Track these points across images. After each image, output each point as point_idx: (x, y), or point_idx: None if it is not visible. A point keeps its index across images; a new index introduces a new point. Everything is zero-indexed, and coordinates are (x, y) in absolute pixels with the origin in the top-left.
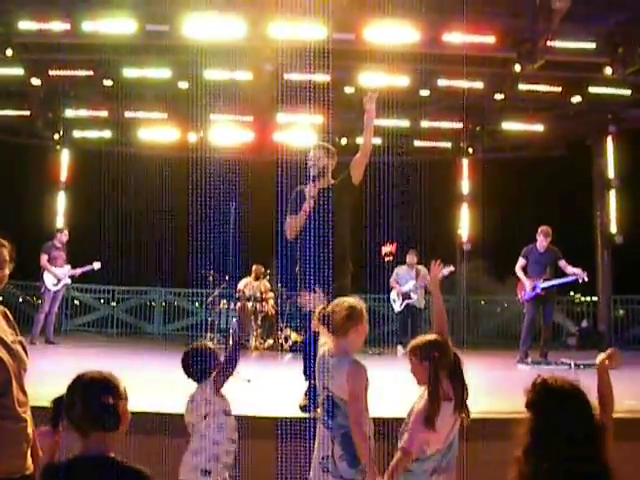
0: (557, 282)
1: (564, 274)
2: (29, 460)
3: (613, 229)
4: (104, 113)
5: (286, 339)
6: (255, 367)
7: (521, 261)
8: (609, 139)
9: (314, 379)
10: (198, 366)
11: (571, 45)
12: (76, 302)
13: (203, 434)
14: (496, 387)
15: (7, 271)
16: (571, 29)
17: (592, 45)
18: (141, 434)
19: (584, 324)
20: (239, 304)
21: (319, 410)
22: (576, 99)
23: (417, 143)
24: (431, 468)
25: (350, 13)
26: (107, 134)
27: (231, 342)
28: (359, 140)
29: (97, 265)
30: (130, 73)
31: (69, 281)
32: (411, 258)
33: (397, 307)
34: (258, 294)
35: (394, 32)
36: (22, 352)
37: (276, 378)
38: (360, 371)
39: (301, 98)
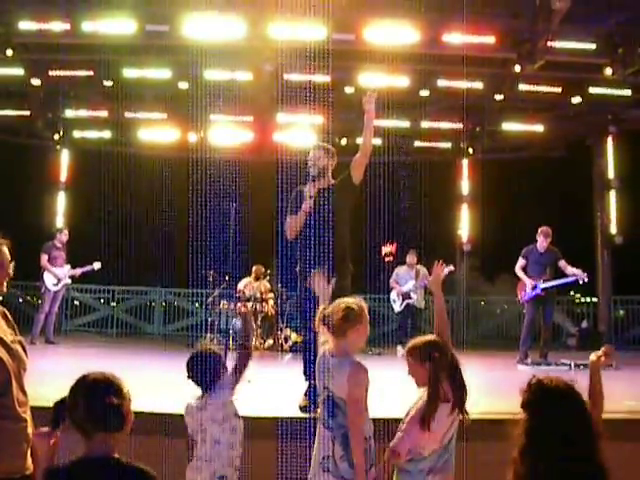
0: (557, 283)
1: (564, 274)
2: (29, 460)
3: (613, 229)
4: (104, 113)
5: (286, 339)
6: (255, 367)
7: (521, 261)
8: (609, 139)
9: (314, 379)
10: (205, 372)
11: (571, 45)
12: (76, 302)
13: (217, 439)
14: (496, 387)
15: (10, 270)
16: (571, 29)
17: (592, 46)
18: (141, 434)
19: (584, 325)
20: (239, 306)
21: (319, 410)
22: (576, 99)
23: (417, 143)
24: (427, 468)
25: (350, 13)
26: (107, 134)
27: (240, 345)
28: (359, 140)
29: (97, 265)
30: (130, 73)
31: (69, 281)
32: (411, 258)
33: (397, 307)
34: (258, 294)
35: (394, 32)
36: (22, 352)
37: (276, 378)
38: (361, 373)
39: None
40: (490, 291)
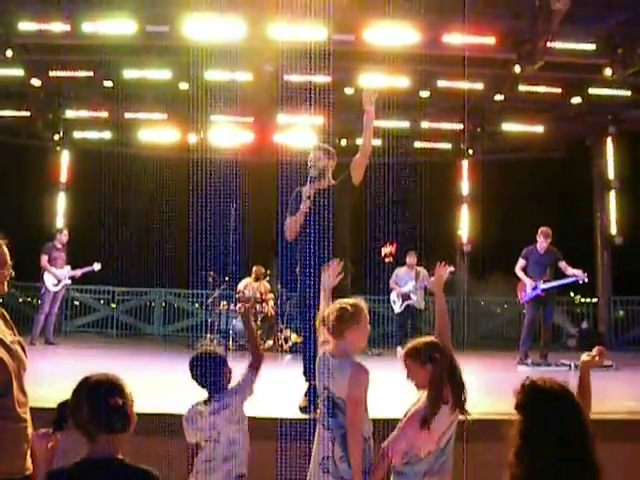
0: (557, 283)
1: (564, 275)
2: (29, 460)
3: (613, 230)
4: (104, 114)
5: (286, 340)
6: None
7: (521, 262)
8: (609, 140)
9: (314, 380)
10: (213, 373)
11: (571, 46)
12: (76, 303)
13: (234, 439)
14: (496, 388)
15: (10, 271)
16: (571, 30)
17: (592, 46)
18: (141, 435)
19: (584, 325)
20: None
21: (319, 411)
22: (576, 100)
23: (417, 144)
24: (423, 470)
25: (350, 14)
26: (107, 135)
27: (253, 345)
28: (359, 141)
29: (97, 266)
30: (130, 74)
31: (69, 282)
32: (411, 259)
33: (397, 308)
34: (258, 295)
35: (394, 33)
36: (21, 352)
37: (276, 379)
38: (362, 374)
39: (301, 99)
40: (490, 291)
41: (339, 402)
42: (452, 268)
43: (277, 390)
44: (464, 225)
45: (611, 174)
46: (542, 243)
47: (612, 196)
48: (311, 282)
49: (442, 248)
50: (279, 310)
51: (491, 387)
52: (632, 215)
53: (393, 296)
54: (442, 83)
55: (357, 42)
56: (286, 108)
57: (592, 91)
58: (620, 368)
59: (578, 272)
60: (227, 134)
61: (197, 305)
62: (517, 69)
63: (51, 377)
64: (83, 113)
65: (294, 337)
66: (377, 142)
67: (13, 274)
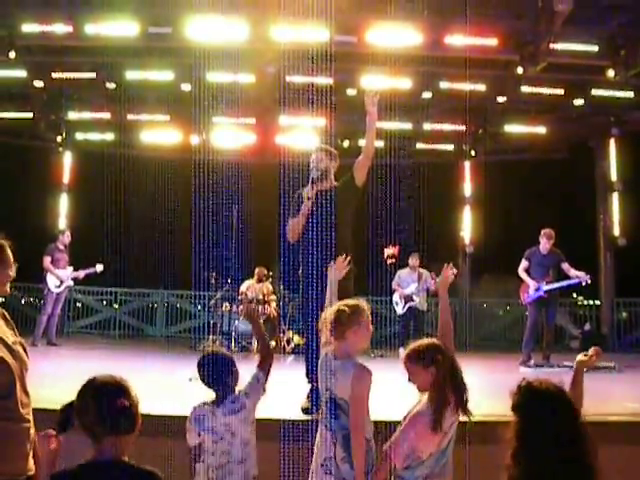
0: (560, 284)
1: (567, 277)
2: (31, 461)
3: (616, 232)
4: (107, 115)
5: (288, 341)
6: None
7: (524, 263)
8: (612, 141)
9: (316, 381)
10: (223, 374)
11: (573, 47)
12: (78, 304)
13: (247, 440)
14: (498, 390)
15: (12, 272)
16: (573, 31)
17: (594, 47)
18: (145, 437)
19: (587, 327)
20: (242, 307)
21: (321, 412)
22: (578, 101)
23: (419, 145)
24: (424, 475)
25: (352, 16)
26: (110, 136)
27: (264, 345)
28: (361, 142)
29: (99, 267)
30: (133, 75)
31: (72, 283)
32: (413, 261)
33: (399, 310)
34: (260, 296)
35: (396, 34)
36: (23, 353)
37: (278, 381)
38: (365, 375)
39: (303, 101)
40: (492, 293)
41: (341, 403)
42: (455, 270)
43: (279, 391)
44: (466, 226)
45: (614, 175)
46: (545, 244)
47: (615, 197)
48: (313, 284)
49: (444, 249)
50: (281, 311)
51: (493, 389)
52: (635, 216)
53: (396, 298)
54: (444, 84)
55: (359, 43)
56: (288, 109)
57: (595, 92)
58: (623, 370)
59: (581, 274)
60: (229, 135)
61: (199, 306)
62: (519, 70)
63: (53, 378)
64: (86, 114)
65: (296, 339)
66: (379, 143)
67: (14, 276)
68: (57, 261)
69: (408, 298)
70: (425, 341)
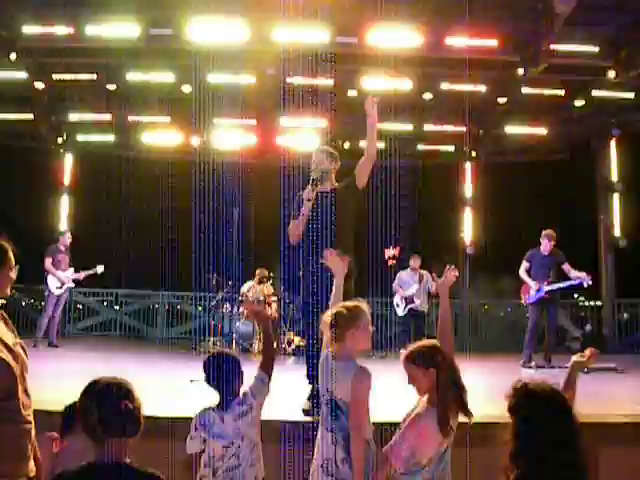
0: (561, 285)
1: (568, 278)
2: (32, 462)
3: (617, 232)
4: (107, 117)
5: (289, 343)
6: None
7: (525, 264)
8: (612, 142)
9: (317, 383)
10: (230, 376)
11: (574, 48)
12: (79, 305)
13: (256, 442)
14: (499, 391)
15: (14, 274)
16: (574, 33)
17: (595, 48)
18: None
19: (588, 328)
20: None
21: (321, 412)
22: (579, 102)
23: (420, 147)
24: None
25: (353, 17)
26: (110, 138)
27: (267, 345)
28: (362, 144)
29: (100, 269)
30: (133, 77)
31: (73, 285)
32: (414, 262)
33: (400, 311)
34: (261, 298)
35: (397, 36)
36: (23, 354)
37: (279, 382)
38: (365, 377)
39: (304, 102)
40: (493, 294)
41: (341, 404)
42: (456, 272)
43: (280, 393)
44: (467, 228)
45: (614, 176)
46: (546, 245)
47: (615, 198)
48: (314, 285)
49: (445, 250)
50: (282, 313)
51: (494, 390)
52: (636, 217)
53: (396, 299)
54: (445, 85)
55: (360, 45)
56: (289, 111)
57: (595, 93)
58: (624, 371)
59: (582, 274)
60: (230, 137)
61: (200, 308)
62: (520, 71)
63: (54, 380)
64: (86, 116)
65: (297, 340)
66: (380, 145)
67: (15, 278)
68: (58, 263)
69: (409, 300)
70: (425, 342)
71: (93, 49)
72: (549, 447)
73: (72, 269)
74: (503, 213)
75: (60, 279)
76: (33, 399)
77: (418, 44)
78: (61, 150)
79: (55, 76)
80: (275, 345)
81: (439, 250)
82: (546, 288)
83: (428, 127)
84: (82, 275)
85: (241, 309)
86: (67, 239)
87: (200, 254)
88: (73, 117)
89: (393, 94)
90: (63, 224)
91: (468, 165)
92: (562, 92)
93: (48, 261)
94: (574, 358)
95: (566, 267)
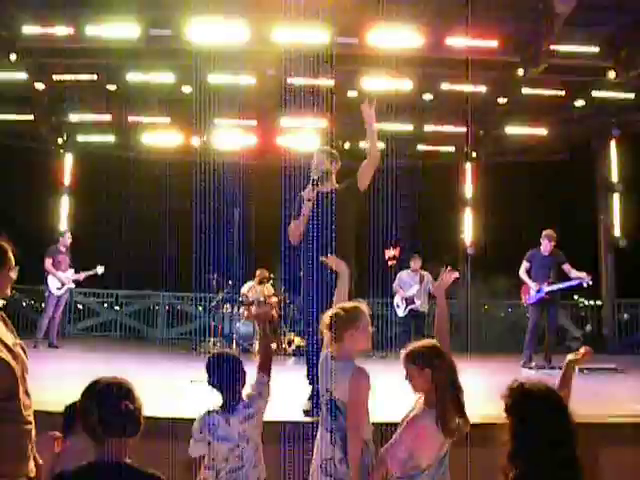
0: (561, 285)
1: (568, 278)
2: (32, 463)
3: (617, 232)
4: (108, 117)
5: (289, 343)
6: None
7: (525, 265)
8: (612, 143)
9: (318, 383)
10: (234, 377)
11: (574, 49)
12: (79, 306)
13: (257, 444)
14: (499, 392)
15: (14, 274)
16: (574, 33)
17: (595, 49)
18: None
19: (588, 328)
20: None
21: (321, 413)
22: (579, 103)
23: (420, 147)
24: None
25: (353, 17)
26: (111, 138)
27: (265, 345)
28: (362, 144)
29: (100, 269)
30: (133, 77)
31: (73, 285)
32: (415, 264)
33: (401, 312)
34: (262, 298)
35: (397, 36)
36: (23, 355)
37: (279, 382)
38: (363, 378)
39: (304, 102)
40: (493, 294)
41: (340, 405)
42: (457, 274)
43: (281, 393)
44: (467, 228)
45: (614, 176)
46: (546, 246)
47: (616, 198)
48: (314, 285)
49: (445, 251)
50: (282, 313)
51: (495, 391)
52: (636, 217)
53: (397, 299)
54: (445, 86)
55: (360, 45)
56: (289, 111)
57: (595, 94)
58: (625, 371)
59: (582, 275)
60: (230, 137)
61: (201, 308)
62: (520, 72)
63: (55, 380)
64: (86, 116)
65: (297, 340)
66: (380, 145)
67: (15, 278)
68: (58, 263)
69: (410, 300)
70: (423, 342)
71: (93, 49)
72: (546, 446)
73: (72, 270)
74: (503, 213)
75: (60, 280)
76: (33, 400)
77: (418, 44)
78: (61, 150)
79: (55, 76)
80: (275, 345)
81: (439, 250)
82: (546, 289)
83: (428, 127)
84: (82, 276)
85: (241, 310)
86: (67, 240)
87: (200, 254)
88: (73, 117)
89: (393, 94)
90: (63, 225)
91: (468, 165)
92: (562, 92)
93: (48, 262)
94: (569, 356)
95: (566, 267)
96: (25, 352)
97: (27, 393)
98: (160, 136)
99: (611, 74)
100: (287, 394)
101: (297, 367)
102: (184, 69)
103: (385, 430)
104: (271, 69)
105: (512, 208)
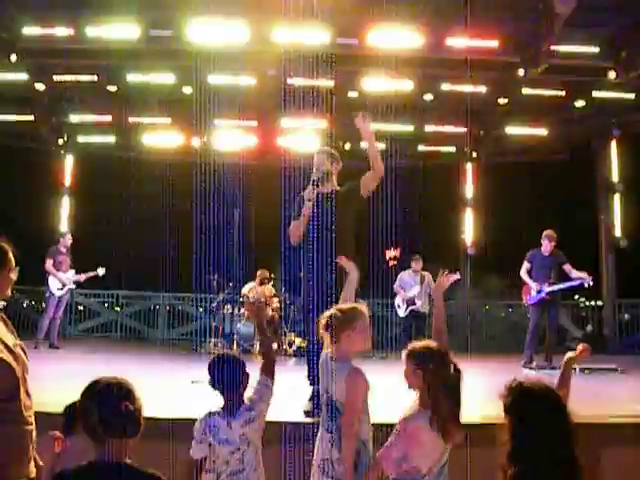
0: (562, 286)
1: (569, 278)
2: (32, 464)
3: (617, 233)
4: (108, 118)
5: (290, 344)
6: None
7: (526, 265)
8: (613, 143)
9: (318, 384)
10: (236, 380)
11: (574, 49)
12: (80, 307)
13: (258, 447)
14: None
15: (14, 275)
16: (574, 33)
17: (595, 49)
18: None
19: (589, 328)
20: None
21: (321, 413)
22: (580, 103)
23: (421, 147)
24: None
25: (353, 18)
26: (111, 139)
27: (266, 346)
28: (363, 145)
29: (101, 271)
30: (134, 78)
31: (74, 286)
32: (416, 265)
33: (401, 313)
34: (262, 299)
35: (398, 37)
36: (23, 355)
37: (280, 383)
38: (358, 378)
39: (305, 103)
40: (494, 295)
41: (339, 405)
42: (458, 276)
43: (281, 394)
44: (468, 228)
45: (615, 177)
46: (547, 246)
47: (616, 199)
48: (315, 286)
49: (446, 251)
50: (283, 314)
51: (495, 391)
52: (636, 217)
53: (397, 300)
54: (446, 86)
55: (361, 46)
56: (289, 112)
57: (596, 94)
58: (625, 371)
59: (583, 275)
60: (230, 138)
61: (201, 309)
62: (521, 72)
63: (55, 381)
64: (87, 117)
65: (298, 341)
66: (381, 145)
67: (15, 279)
68: (59, 264)
69: (410, 301)
70: (422, 343)
71: (93, 50)
72: (544, 445)
73: (73, 271)
74: (504, 214)
75: (61, 280)
76: (34, 401)
77: (419, 45)
78: (62, 151)
79: (55, 77)
80: (276, 346)
81: (440, 250)
82: (547, 289)
83: (429, 128)
84: (83, 277)
85: (242, 310)
86: (68, 240)
87: (201, 255)
88: (74, 118)
89: (394, 95)
90: (64, 225)
91: (469, 166)
92: (562, 93)
93: (49, 262)
94: (568, 355)
95: (567, 267)
96: (26, 353)
97: (28, 394)
98: (160, 137)
99: (611, 74)
100: (288, 395)
101: (298, 368)
102: (184, 70)
103: (385, 430)
104: (271, 70)
105: (512, 208)
